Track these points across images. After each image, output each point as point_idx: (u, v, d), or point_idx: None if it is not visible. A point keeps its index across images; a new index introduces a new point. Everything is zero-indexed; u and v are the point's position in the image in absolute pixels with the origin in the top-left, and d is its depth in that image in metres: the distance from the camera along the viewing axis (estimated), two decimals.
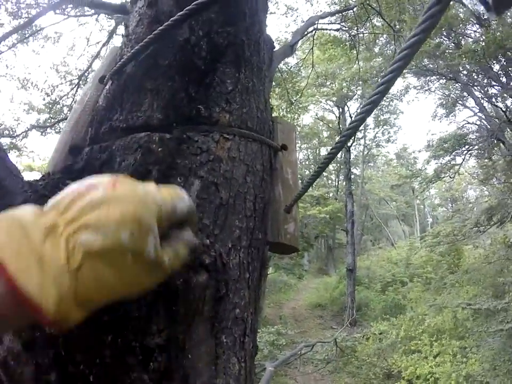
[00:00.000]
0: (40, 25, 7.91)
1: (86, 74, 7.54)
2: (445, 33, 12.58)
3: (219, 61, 0.81)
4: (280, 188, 0.88)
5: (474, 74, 12.63)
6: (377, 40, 11.06)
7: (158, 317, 0.50)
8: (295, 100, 9.48)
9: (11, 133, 8.56)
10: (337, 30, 8.77)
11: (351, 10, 7.89)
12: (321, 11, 9.44)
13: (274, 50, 1.32)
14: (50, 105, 8.36)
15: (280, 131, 0.97)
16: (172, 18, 0.59)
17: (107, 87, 0.79)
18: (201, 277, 0.52)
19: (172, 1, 0.87)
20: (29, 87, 10.12)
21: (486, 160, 12.35)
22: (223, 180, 0.64)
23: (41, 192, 0.61)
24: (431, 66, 13.15)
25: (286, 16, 9.12)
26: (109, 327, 0.49)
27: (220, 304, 0.59)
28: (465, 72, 13.04)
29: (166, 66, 0.74)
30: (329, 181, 27.52)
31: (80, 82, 7.27)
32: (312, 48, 7.65)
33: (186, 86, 0.72)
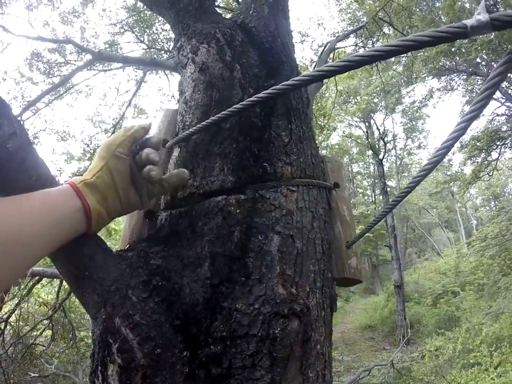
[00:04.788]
0: (72, 82, 8.49)
1: (120, 122, 8.05)
2: None
3: (272, 115, 0.89)
4: (340, 226, 0.93)
5: (493, 63, 12.27)
6: None
7: (261, 364, 0.56)
8: (324, 124, 9.51)
9: None
10: (354, 46, 8.93)
11: (364, 27, 8.04)
12: (334, 32, 9.66)
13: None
14: (89, 154, 8.92)
15: (331, 170, 1.03)
16: (240, 104, 0.64)
17: (175, 154, 0.89)
18: (294, 324, 0.58)
19: (220, 63, 0.97)
20: (67, 138, 10.90)
21: None
22: (296, 231, 0.70)
23: (134, 265, 0.64)
24: (449, 64, 12.92)
25: (302, 43, 9.38)
26: (215, 381, 0.56)
27: (307, 344, 0.65)
28: (484, 63, 12.69)
29: (229, 129, 0.82)
30: (365, 197, 26.93)
31: (115, 130, 7.77)
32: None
33: (249, 145, 0.80)
